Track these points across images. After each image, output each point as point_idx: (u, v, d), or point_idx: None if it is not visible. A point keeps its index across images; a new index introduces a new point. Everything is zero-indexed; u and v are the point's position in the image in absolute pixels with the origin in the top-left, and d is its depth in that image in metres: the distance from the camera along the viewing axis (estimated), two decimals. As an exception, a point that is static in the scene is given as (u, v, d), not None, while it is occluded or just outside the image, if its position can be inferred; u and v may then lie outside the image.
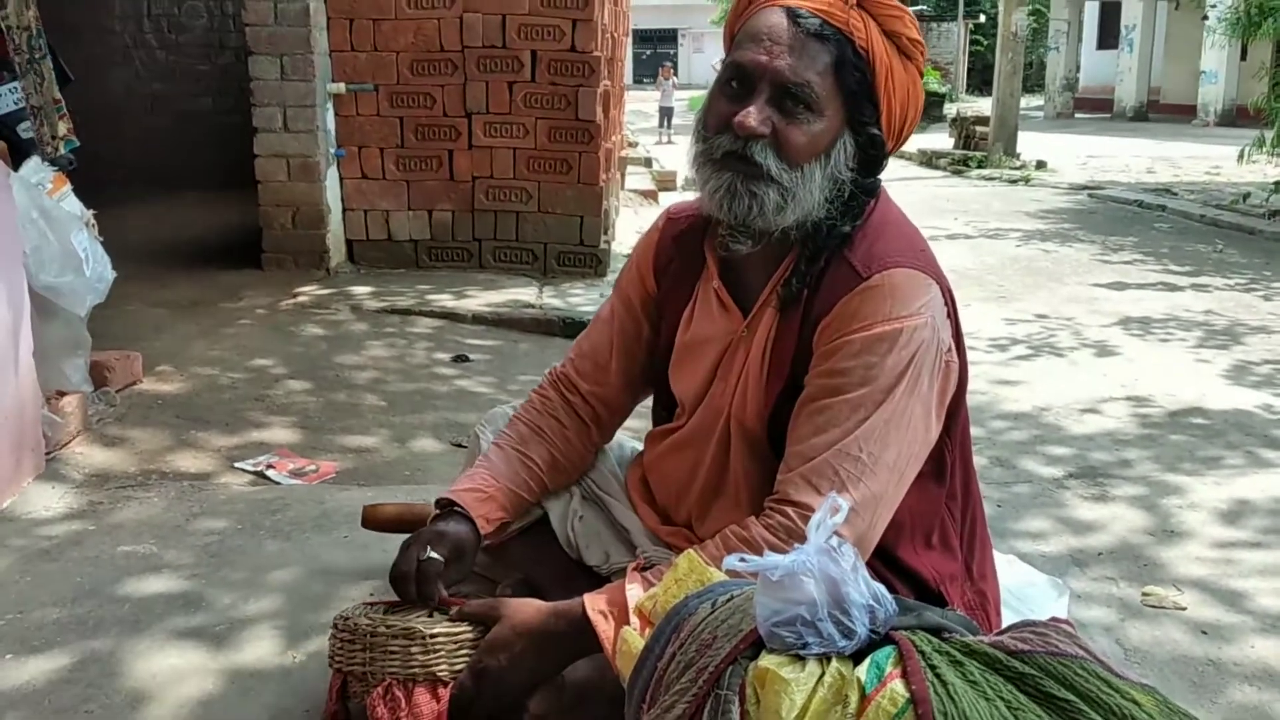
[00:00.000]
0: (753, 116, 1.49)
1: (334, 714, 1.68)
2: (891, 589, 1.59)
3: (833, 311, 1.54)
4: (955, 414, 1.65)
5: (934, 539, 1.69)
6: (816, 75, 1.49)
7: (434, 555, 1.66)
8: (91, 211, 3.45)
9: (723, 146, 1.53)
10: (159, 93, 8.94)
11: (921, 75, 1.59)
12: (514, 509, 1.83)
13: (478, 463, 1.86)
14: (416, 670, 1.58)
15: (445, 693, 1.56)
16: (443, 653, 1.58)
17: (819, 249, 1.58)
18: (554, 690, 1.64)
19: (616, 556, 1.87)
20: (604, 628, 1.46)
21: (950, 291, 1.62)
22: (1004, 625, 1.75)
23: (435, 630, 1.58)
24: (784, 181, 1.51)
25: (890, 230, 1.60)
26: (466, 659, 1.59)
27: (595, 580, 1.89)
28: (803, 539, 1.22)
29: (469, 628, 1.61)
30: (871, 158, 1.57)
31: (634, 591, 1.48)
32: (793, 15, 1.51)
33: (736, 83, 1.53)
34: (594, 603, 1.49)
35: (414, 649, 1.58)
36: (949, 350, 1.57)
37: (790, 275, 1.60)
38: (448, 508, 1.76)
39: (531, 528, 1.96)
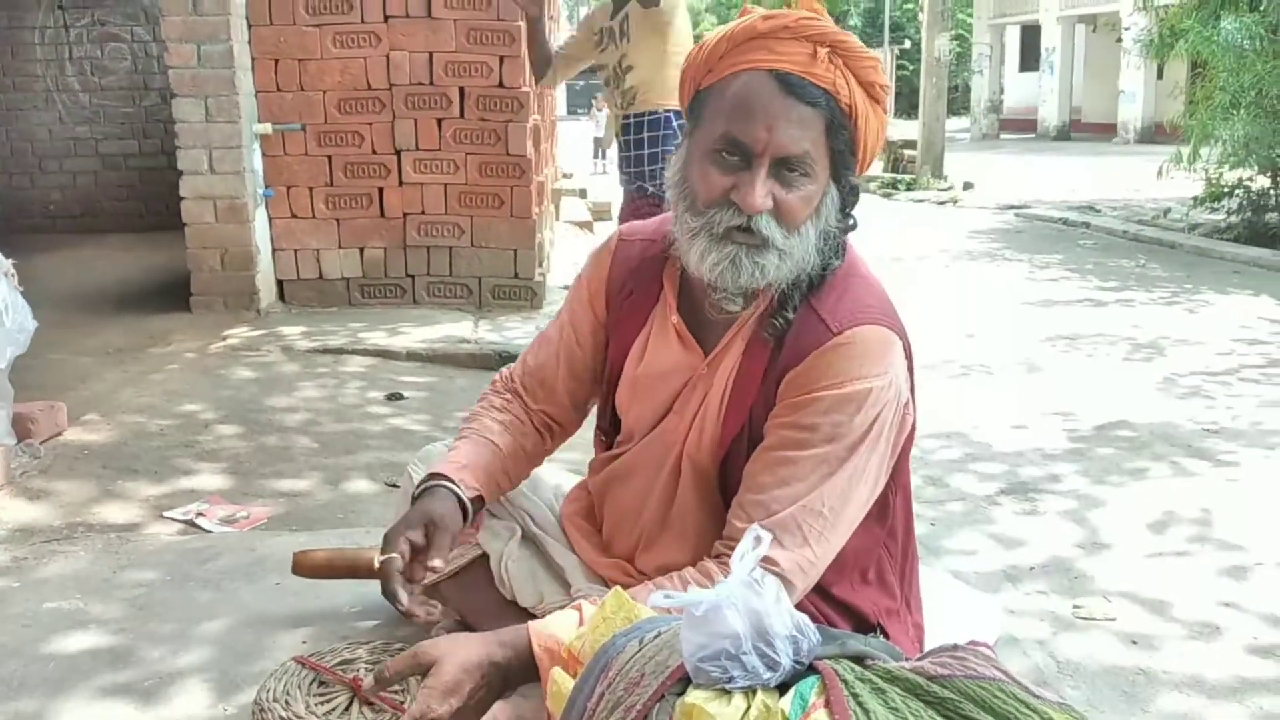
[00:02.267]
0: (759, 196, 1.48)
1: None
2: (832, 625, 1.61)
3: (803, 364, 1.54)
4: (903, 458, 1.67)
5: (870, 575, 1.70)
6: (811, 144, 1.49)
7: (390, 556, 1.61)
8: (11, 261, 3.38)
9: (724, 222, 1.51)
10: (82, 136, 8.80)
11: (884, 113, 1.59)
12: (487, 488, 1.78)
13: (449, 450, 1.82)
14: None
15: None
16: None
17: (807, 289, 1.58)
18: None
19: (551, 596, 1.87)
20: (546, 665, 1.42)
21: (909, 344, 1.62)
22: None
23: None
24: (785, 247, 1.51)
25: (857, 283, 1.60)
26: None
27: (527, 618, 1.88)
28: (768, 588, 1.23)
29: None
30: (849, 201, 1.59)
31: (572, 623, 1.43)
32: (783, 81, 1.48)
33: (729, 153, 1.50)
34: (539, 639, 1.42)
35: None
36: (907, 404, 1.59)
37: (774, 315, 1.58)
38: (428, 485, 1.72)
39: (465, 569, 1.95)
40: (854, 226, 1.62)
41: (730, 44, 1.53)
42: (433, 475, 1.75)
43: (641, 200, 3.70)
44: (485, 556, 1.93)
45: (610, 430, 1.87)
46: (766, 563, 1.48)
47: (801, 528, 1.51)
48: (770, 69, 1.49)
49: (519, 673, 1.43)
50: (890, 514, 1.70)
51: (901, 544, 1.76)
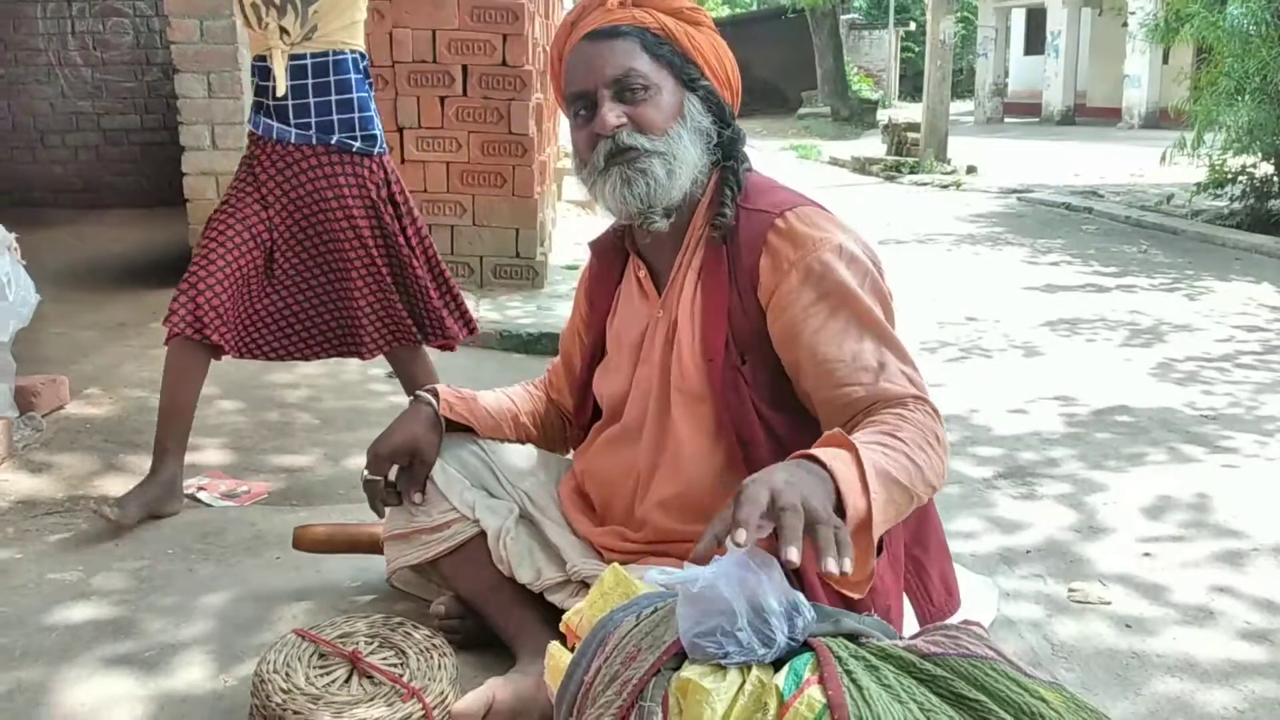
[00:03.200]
0: (607, 116, 1.68)
1: None
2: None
3: (764, 255, 1.66)
4: None
5: None
6: (635, 61, 1.69)
7: (375, 479, 1.92)
8: (14, 235, 3.39)
9: (600, 155, 1.70)
10: (84, 110, 8.78)
11: (715, 31, 1.78)
12: (482, 424, 2.02)
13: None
14: None
15: None
16: None
17: (732, 182, 1.74)
18: (484, 707, 1.67)
19: (548, 573, 1.91)
20: (840, 470, 1.31)
21: (863, 240, 1.75)
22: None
23: None
24: (660, 149, 1.67)
25: (784, 191, 1.77)
26: None
27: (527, 595, 1.91)
28: (939, 421, 1.49)
29: (378, 719, 1.63)
30: (718, 107, 1.75)
31: (857, 445, 1.37)
32: (590, 35, 1.72)
33: (582, 109, 1.73)
34: (828, 459, 1.33)
35: None
36: (882, 272, 1.71)
37: (715, 217, 1.72)
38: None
39: (462, 545, 1.98)
40: (739, 134, 1.78)
41: (556, 48, 1.80)
42: (426, 390, 1.98)
43: (315, 152, 2.91)
44: (483, 534, 1.96)
45: (589, 421, 2.01)
46: (915, 398, 1.54)
47: (909, 367, 1.60)
48: (581, 33, 1.74)
49: (813, 475, 1.30)
50: None
51: None
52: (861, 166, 15.44)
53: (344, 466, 3.26)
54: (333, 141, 2.89)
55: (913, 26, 33.06)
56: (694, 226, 1.75)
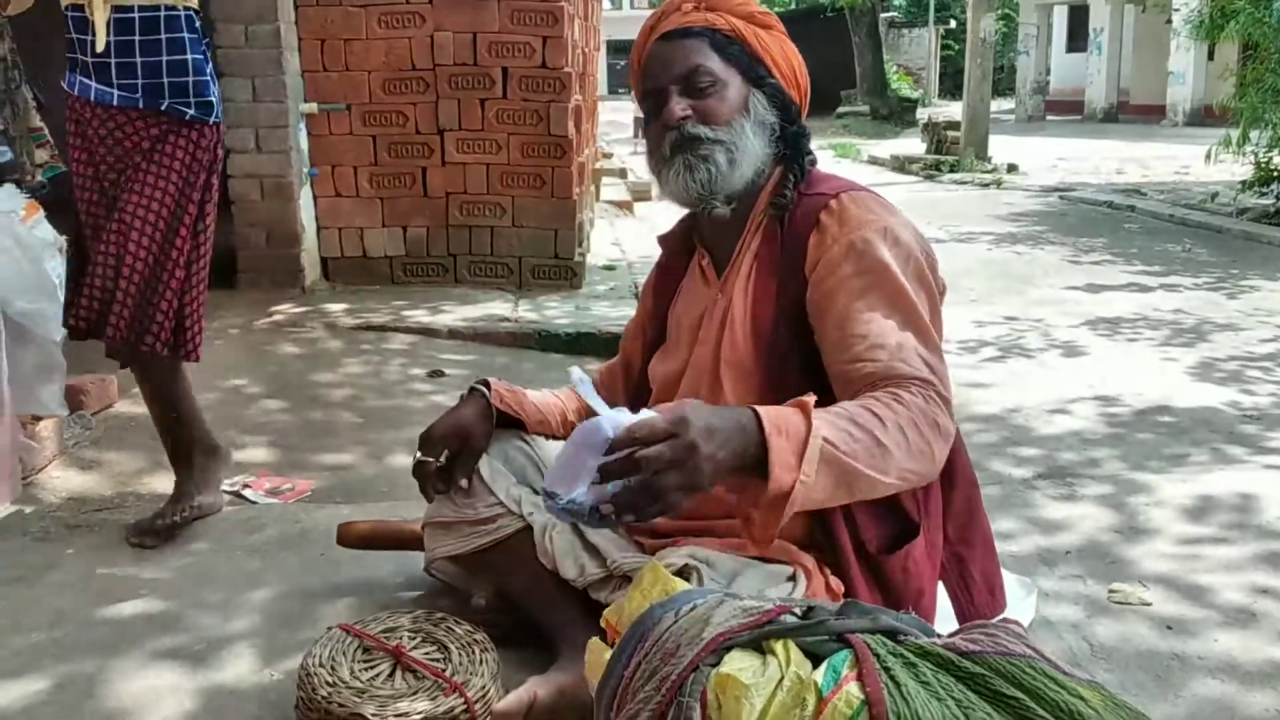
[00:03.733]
0: (674, 108, 1.75)
1: None
2: (849, 512, 1.67)
3: (815, 232, 1.71)
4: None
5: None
6: (703, 59, 1.76)
7: (425, 460, 1.95)
8: (65, 238, 3.45)
9: (666, 145, 1.76)
10: (131, 114, 8.91)
11: (785, 36, 1.84)
12: (531, 419, 2.07)
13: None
14: None
15: None
16: None
17: (795, 170, 1.80)
18: (525, 707, 1.70)
19: (591, 569, 1.92)
20: (776, 442, 1.34)
21: (918, 232, 1.76)
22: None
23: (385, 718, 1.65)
24: (723, 138, 1.74)
25: (843, 180, 1.81)
26: None
27: (569, 591, 1.93)
28: (940, 407, 1.50)
29: (421, 712, 1.68)
30: (784, 104, 1.80)
31: (813, 420, 1.37)
32: (663, 37, 1.80)
33: (652, 104, 1.80)
34: (769, 419, 1.36)
35: None
36: (936, 265, 1.72)
37: (780, 188, 1.79)
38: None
39: (506, 540, 2.00)
40: (804, 131, 1.84)
41: (636, 52, 1.87)
42: (478, 382, 2.03)
43: (143, 115, 2.63)
44: (527, 529, 1.98)
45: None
46: (921, 383, 1.53)
47: (925, 359, 1.58)
48: (656, 36, 1.81)
49: (749, 444, 1.34)
50: None
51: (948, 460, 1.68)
52: (901, 165, 15.36)
53: (386, 465, 3.30)
54: (163, 107, 2.60)
55: (953, 24, 32.82)
56: (755, 213, 1.80)
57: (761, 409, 1.36)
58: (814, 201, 1.74)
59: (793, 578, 1.62)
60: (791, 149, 1.81)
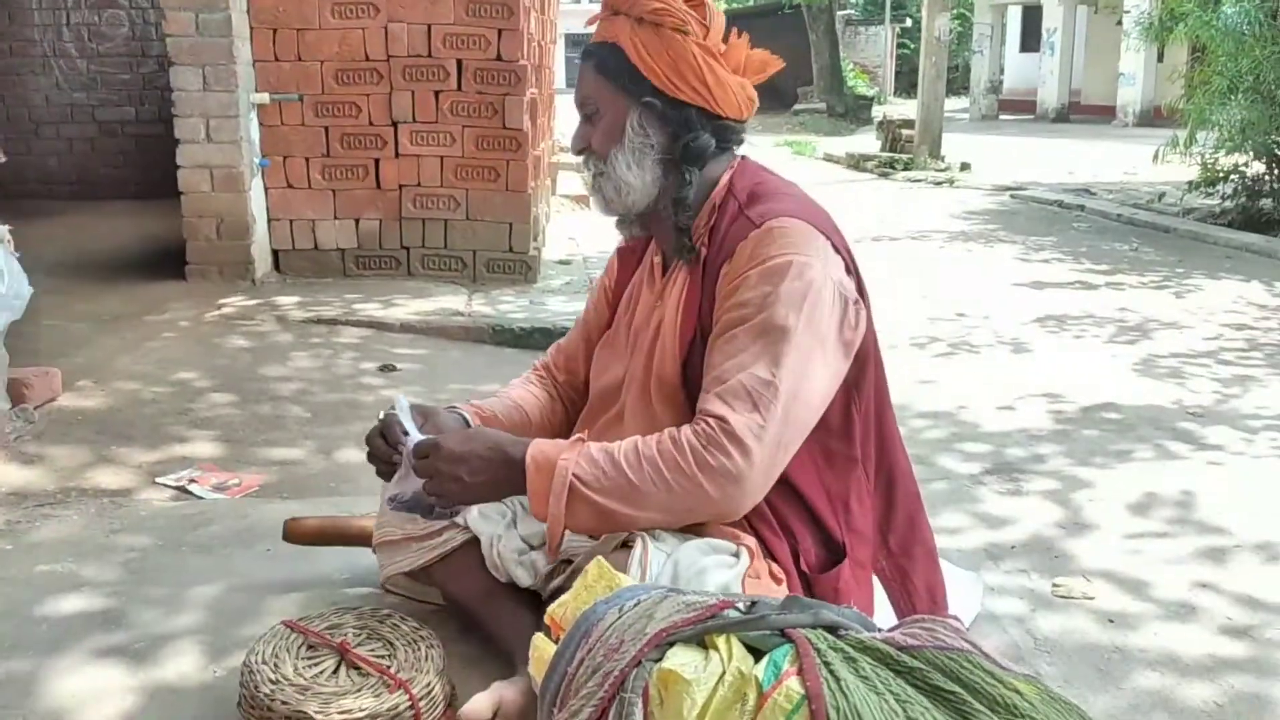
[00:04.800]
0: (573, 142, 1.83)
1: None
2: (789, 531, 1.71)
3: (732, 257, 1.70)
4: (864, 369, 1.76)
5: (837, 489, 1.77)
6: (590, 88, 1.79)
7: (392, 412, 1.88)
8: (7, 226, 3.40)
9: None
10: (79, 102, 8.77)
11: (685, 33, 1.74)
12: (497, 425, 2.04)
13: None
14: None
15: None
16: None
17: (684, 198, 1.78)
18: (492, 709, 1.69)
19: (543, 565, 1.91)
20: (532, 475, 1.64)
21: (848, 250, 1.77)
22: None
23: (329, 717, 1.64)
24: (604, 170, 1.78)
25: (786, 198, 1.77)
26: None
27: (522, 599, 1.92)
28: (721, 447, 1.54)
29: (365, 710, 1.66)
30: (676, 119, 1.76)
31: (566, 458, 1.62)
32: (583, 51, 1.83)
33: None
34: (534, 451, 1.66)
35: None
36: (855, 301, 1.70)
37: (681, 221, 1.80)
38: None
39: (453, 553, 1.99)
40: (700, 143, 1.77)
41: None
42: (454, 407, 2.00)
43: None
44: (475, 540, 1.97)
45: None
46: (717, 420, 1.57)
47: (750, 394, 1.59)
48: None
49: (512, 474, 1.66)
50: (854, 430, 1.77)
51: (878, 471, 1.83)
52: (856, 163, 15.46)
53: (335, 459, 3.28)
54: None
55: (909, 23, 33.06)
56: (700, 218, 1.80)
57: (536, 444, 1.66)
58: (741, 228, 1.72)
59: (736, 554, 1.63)
60: (692, 160, 1.77)
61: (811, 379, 1.62)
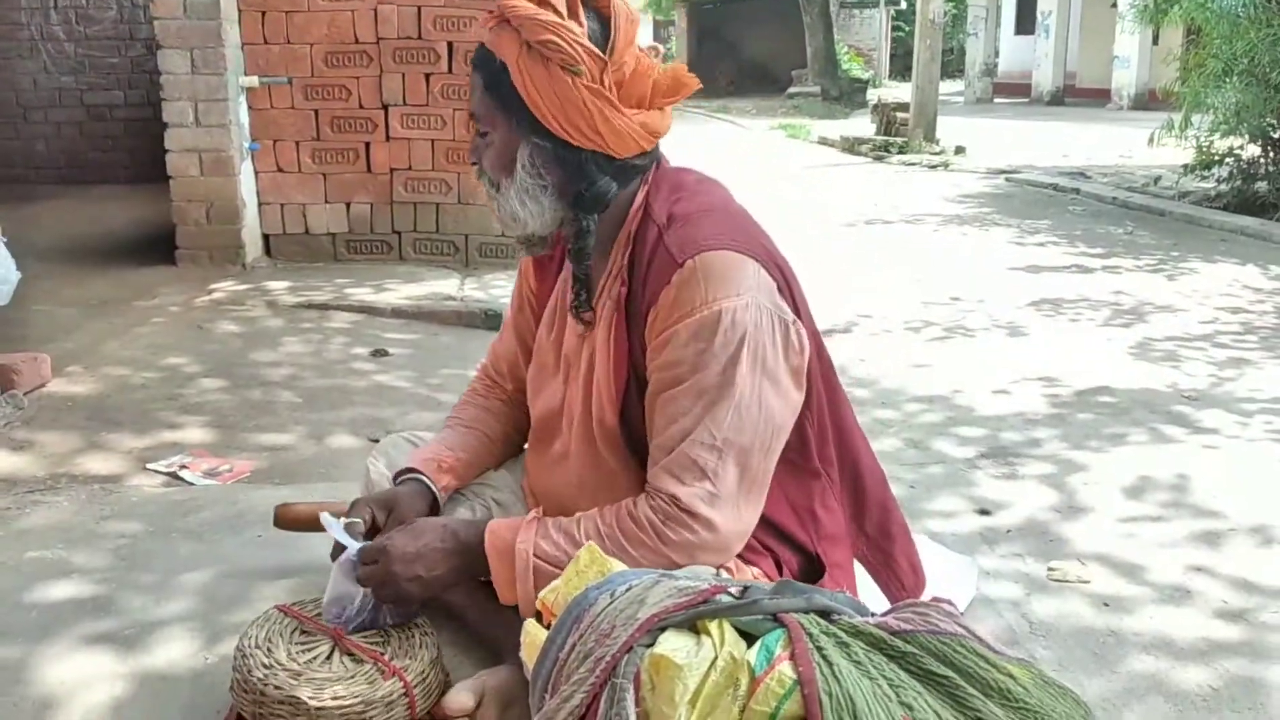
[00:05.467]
0: (471, 150, 1.70)
1: None
2: (767, 548, 1.68)
3: (657, 303, 1.60)
4: (811, 381, 1.68)
5: (802, 502, 1.74)
6: (479, 105, 1.64)
7: (353, 520, 1.81)
8: (-6, 210, 3.37)
9: None
10: (67, 86, 8.71)
11: (576, 74, 1.56)
12: (465, 478, 1.96)
13: (434, 439, 1.98)
14: None
15: None
16: None
17: (583, 249, 1.67)
18: (476, 698, 1.68)
19: None
20: (495, 565, 1.63)
21: (781, 264, 1.67)
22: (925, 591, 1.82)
23: (323, 703, 1.62)
24: (498, 198, 1.67)
25: (705, 216, 1.65)
26: None
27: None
28: (680, 522, 1.51)
29: (358, 696, 1.64)
30: (570, 162, 1.62)
31: (524, 540, 1.60)
32: (475, 52, 1.67)
33: None
34: (491, 536, 1.64)
35: (299, 718, 1.62)
36: (793, 321, 1.61)
37: (575, 282, 1.70)
38: (407, 474, 1.88)
39: None
40: (593, 189, 1.64)
41: None
42: (409, 470, 1.88)
43: None
44: None
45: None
46: (669, 497, 1.54)
47: (696, 461, 1.55)
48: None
49: (471, 560, 1.65)
50: (809, 442, 1.71)
51: (840, 470, 1.79)
52: (850, 146, 15.41)
53: (326, 445, 3.26)
54: None
55: (904, 5, 32.92)
56: (617, 247, 1.69)
57: (491, 530, 1.63)
58: (661, 266, 1.60)
59: (718, 574, 1.61)
60: (589, 208, 1.65)
61: (765, 422, 1.57)
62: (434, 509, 1.87)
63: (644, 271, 1.63)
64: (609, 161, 1.63)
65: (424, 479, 1.85)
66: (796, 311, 1.65)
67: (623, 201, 1.68)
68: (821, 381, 1.73)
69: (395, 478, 1.90)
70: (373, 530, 1.83)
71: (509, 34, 1.57)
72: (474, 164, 1.70)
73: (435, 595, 1.71)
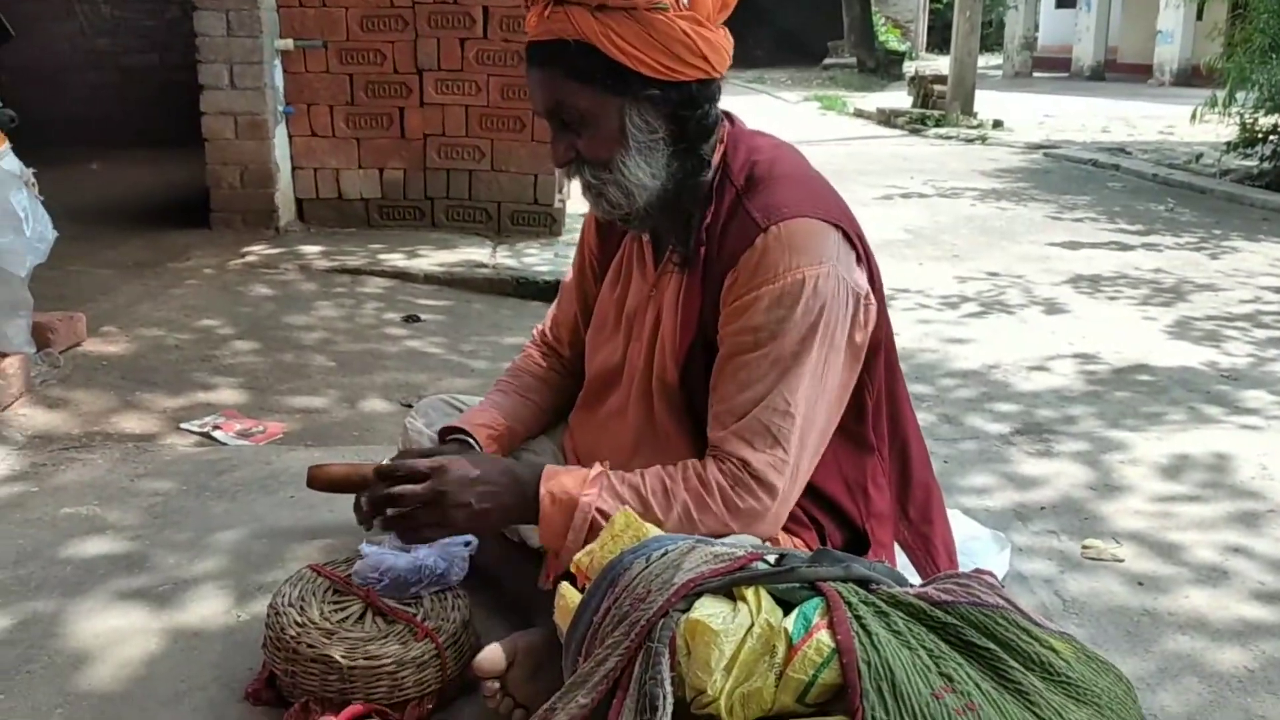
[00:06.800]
0: (556, 150, 1.62)
1: (256, 693, 1.73)
2: (814, 520, 1.67)
3: (738, 265, 1.58)
4: (875, 354, 1.69)
5: (855, 477, 1.74)
6: (562, 94, 1.57)
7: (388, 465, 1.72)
8: (31, 170, 3.37)
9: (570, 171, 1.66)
10: (103, 48, 8.74)
11: (664, 9, 1.53)
12: (508, 449, 1.91)
13: (482, 402, 1.97)
14: (332, 696, 1.62)
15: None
16: (359, 684, 1.64)
17: (697, 185, 1.65)
18: (508, 660, 1.67)
19: None
20: (546, 507, 1.56)
21: (860, 235, 1.66)
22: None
23: (355, 662, 1.63)
24: (608, 179, 1.60)
25: (786, 181, 1.64)
26: (385, 688, 1.64)
27: (537, 558, 1.90)
28: (748, 489, 1.49)
29: (391, 656, 1.65)
30: (676, 100, 1.59)
31: (590, 495, 1.54)
32: (528, 53, 1.61)
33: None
34: (548, 481, 1.57)
35: (331, 676, 1.63)
36: (866, 296, 1.61)
37: (686, 237, 1.67)
38: (455, 433, 1.85)
39: None
40: (705, 119, 1.63)
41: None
42: (458, 430, 1.84)
43: None
44: None
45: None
46: (740, 462, 1.53)
47: (770, 428, 1.54)
48: (528, 44, 1.62)
49: (524, 505, 1.58)
50: (867, 416, 1.72)
51: (891, 448, 1.79)
52: (886, 119, 15.26)
53: (359, 409, 3.26)
54: None
55: (942, -22, 32.50)
56: (697, 208, 1.68)
57: (552, 477, 1.56)
58: (743, 229, 1.59)
59: (763, 542, 1.61)
60: (706, 137, 1.63)
61: (826, 395, 1.58)
62: None
63: (720, 232, 1.62)
64: (711, 85, 1.61)
65: (472, 441, 1.82)
66: (872, 283, 1.65)
67: (691, 167, 1.65)
68: (884, 360, 1.73)
69: (442, 435, 1.87)
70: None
71: (573, 10, 1.53)
72: (565, 164, 1.63)
73: (476, 531, 1.67)
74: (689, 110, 1.60)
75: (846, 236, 1.61)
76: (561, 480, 1.57)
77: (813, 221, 1.57)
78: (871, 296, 1.63)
